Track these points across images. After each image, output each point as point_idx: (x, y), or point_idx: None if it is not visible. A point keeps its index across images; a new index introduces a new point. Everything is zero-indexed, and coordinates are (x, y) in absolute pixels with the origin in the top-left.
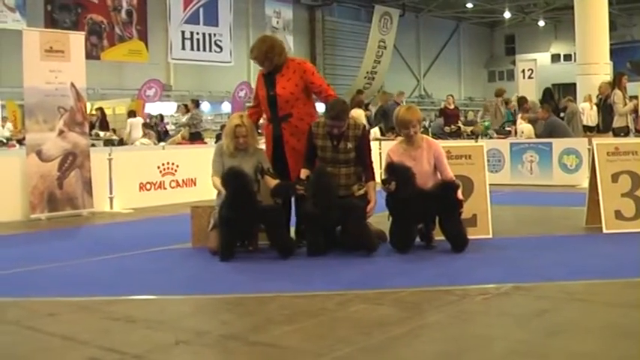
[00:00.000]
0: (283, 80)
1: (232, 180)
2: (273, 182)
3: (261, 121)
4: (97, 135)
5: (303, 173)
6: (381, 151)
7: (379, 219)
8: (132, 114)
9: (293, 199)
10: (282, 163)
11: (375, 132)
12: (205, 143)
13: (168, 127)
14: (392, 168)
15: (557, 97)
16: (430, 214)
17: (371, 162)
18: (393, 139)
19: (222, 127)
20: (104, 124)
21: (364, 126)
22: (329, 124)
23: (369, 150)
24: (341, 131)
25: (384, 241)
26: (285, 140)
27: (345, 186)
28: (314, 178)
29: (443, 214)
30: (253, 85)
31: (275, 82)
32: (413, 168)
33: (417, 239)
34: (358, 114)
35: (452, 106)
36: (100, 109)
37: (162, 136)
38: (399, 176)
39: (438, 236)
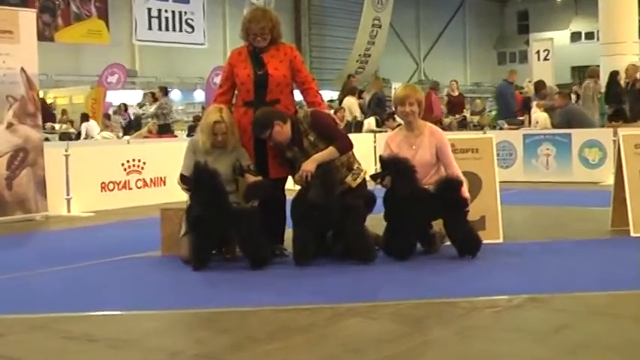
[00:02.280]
0: (275, 61)
1: (200, 175)
2: (257, 179)
3: None
4: (52, 128)
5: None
6: (376, 144)
7: (374, 221)
8: (85, 117)
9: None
10: (261, 157)
11: (369, 123)
12: (176, 137)
13: (134, 119)
14: (387, 160)
15: (578, 81)
16: (432, 215)
17: (340, 133)
18: (393, 128)
19: (196, 118)
20: (45, 116)
21: (312, 110)
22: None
23: (330, 125)
24: (287, 137)
25: (378, 247)
26: None
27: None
28: (322, 171)
29: (447, 215)
30: None
31: (264, 62)
32: (412, 158)
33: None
34: (351, 103)
35: (456, 93)
36: (41, 100)
37: (127, 128)
38: (396, 170)
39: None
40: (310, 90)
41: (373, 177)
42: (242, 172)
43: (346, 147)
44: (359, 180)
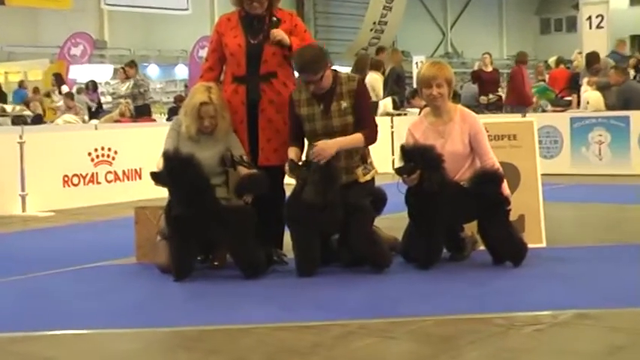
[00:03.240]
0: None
1: (173, 165)
2: (251, 173)
3: None
4: (3, 110)
5: (292, 152)
6: (394, 129)
7: (392, 222)
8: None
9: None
10: (252, 140)
11: (385, 104)
12: (154, 121)
13: (104, 99)
14: (412, 150)
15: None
16: (465, 214)
17: (374, 121)
18: (421, 108)
19: (177, 99)
20: None
21: (360, 78)
22: (301, 79)
23: (369, 105)
24: (326, 87)
25: (396, 253)
26: (261, 108)
27: (346, 169)
28: (324, 164)
29: (484, 215)
30: None
31: (259, 29)
32: (441, 148)
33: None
34: (375, 79)
35: (489, 69)
36: None
37: (95, 111)
38: (422, 162)
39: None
40: None
41: (400, 170)
42: (233, 163)
43: (374, 139)
44: (368, 177)
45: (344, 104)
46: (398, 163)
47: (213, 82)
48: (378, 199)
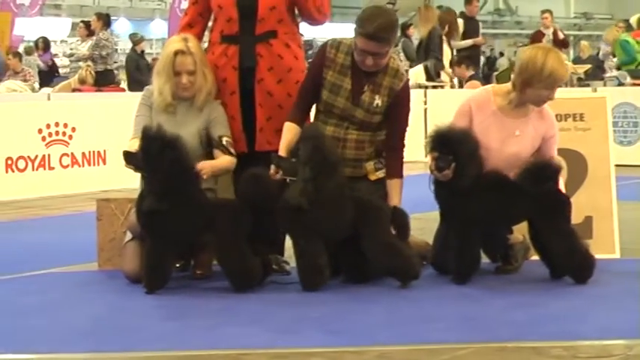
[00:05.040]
0: None
1: (150, 145)
2: (225, 162)
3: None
4: None
5: (289, 132)
6: (427, 106)
7: (424, 223)
8: None
9: None
10: (246, 118)
11: (416, 74)
12: (122, 90)
13: (60, 62)
14: (443, 138)
15: None
16: (515, 216)
17: (404, 143)
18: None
19: (155, 62)
20: None
21: (407, 78)
22: (361, 47)
23: (407, 120)
24: (381, 67)
25: (427, 262)
26: (258, 78)
27: (355, 162)
28: (309, 147)
29: (539, 216)
30: None
31: None
32: (501, 145)
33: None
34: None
35: (549, 30)
36: None
37: (47, 77)
38: (459, 152)
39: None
40: (325, 17)
41: (439, 165)
42: (210, 145)
43: (400, 170)
44: (380, 174)
45: (377, 101)
46: (432, 152)
47: (194, 37)
48: (398, 224)
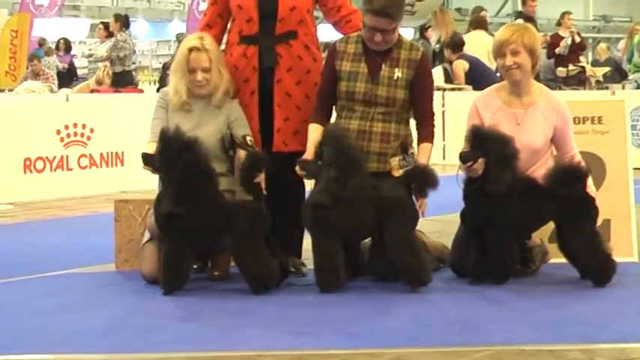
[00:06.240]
0: None
1: (168, 147)
2: None
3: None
4: None
5: (314, 132)
6: (445, 108)
7: (442, 226)
8: None
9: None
10: (264, 118)
11: (435, 77)
12: (141, 91)
13: (78, 64)
14: (486, 136)
15: None
16: (539, 218)
17: (432, 111)
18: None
19: (167, 66)
20: None
21: (423, 51)
22: (369, 25)
23: (431, 89)
24: (390, 44)
25: (445, 265)
26: (277, 78)
27: (379, 156)
28: (332, 149)
29: (565, 219)
30: None
31: None
32: (521, 137)
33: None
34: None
35: (566, 33)
36: None
37: (66, 78)
38: (491, 151)
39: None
40: (351, 22)
41: (465, 157)
42: (233, 145)
43: (431, 136)
44: (402, 171)
45: (397, 73)
46: (464, 147)
47: (210, 36)
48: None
